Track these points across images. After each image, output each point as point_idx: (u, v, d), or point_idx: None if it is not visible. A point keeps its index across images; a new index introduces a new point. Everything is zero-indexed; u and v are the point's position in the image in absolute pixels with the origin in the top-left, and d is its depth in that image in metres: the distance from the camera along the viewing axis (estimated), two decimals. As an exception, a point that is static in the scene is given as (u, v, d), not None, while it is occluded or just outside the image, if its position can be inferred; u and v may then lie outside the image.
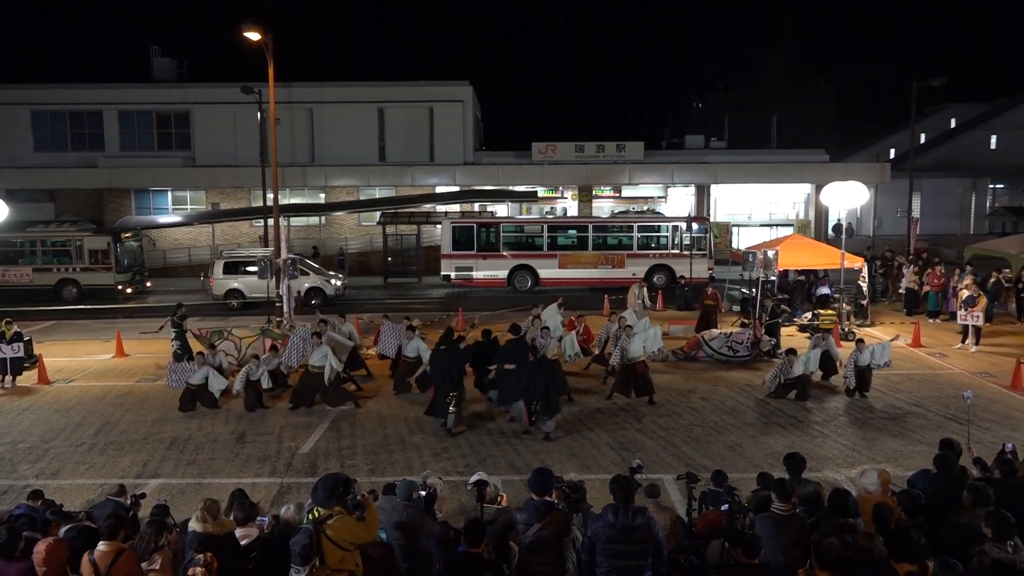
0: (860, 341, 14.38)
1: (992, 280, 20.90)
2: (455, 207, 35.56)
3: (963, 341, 17.60)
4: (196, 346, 15.98)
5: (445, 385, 11.99)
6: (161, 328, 16.77)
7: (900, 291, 22.91)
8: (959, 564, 4.83)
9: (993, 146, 48.31)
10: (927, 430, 11.72)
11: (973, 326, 17.32)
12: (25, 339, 15.99)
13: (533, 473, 6.17)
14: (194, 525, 5.99)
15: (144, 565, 5.77)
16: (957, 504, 6.29)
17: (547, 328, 14.52)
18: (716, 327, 19.23)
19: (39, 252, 27.49)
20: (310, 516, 5.66)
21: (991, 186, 45.83)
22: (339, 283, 26.39)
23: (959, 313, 17.92)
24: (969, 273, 19.40)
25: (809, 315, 19.82)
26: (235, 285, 25.15)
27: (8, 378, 15.28)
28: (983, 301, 17.49)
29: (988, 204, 45.62)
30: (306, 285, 25.39)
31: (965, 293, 17.80)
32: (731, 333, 17.07)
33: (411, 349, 14.11)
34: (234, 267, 25.52)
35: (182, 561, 5.88)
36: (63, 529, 6.42)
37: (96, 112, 37.00)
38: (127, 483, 8.39)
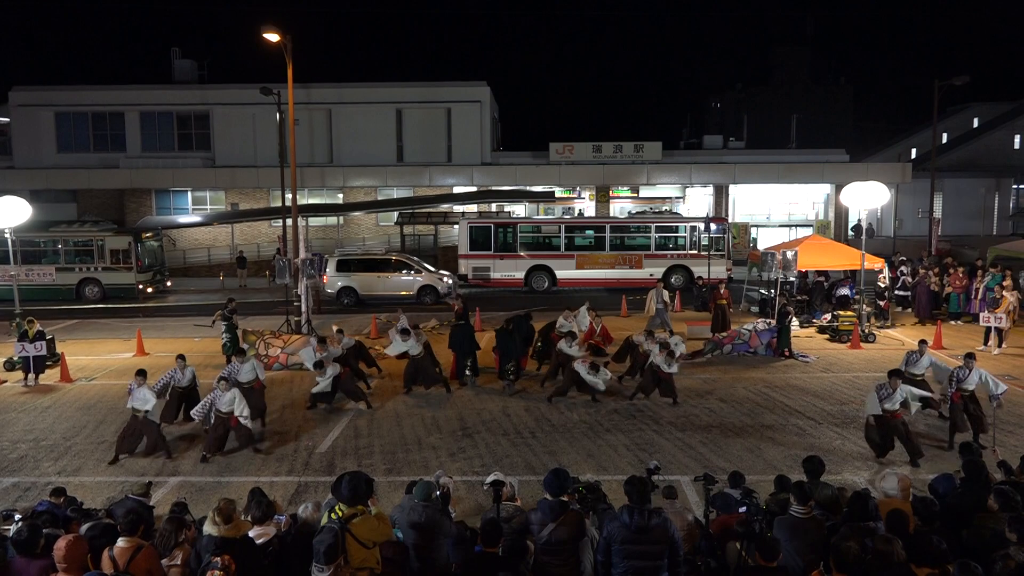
0: (970, 356, 11.31)
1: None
2: (472, 207, 35.65)
3: (985, 343, 17.39)
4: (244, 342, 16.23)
5: (461, 353, 14.99)
6: (214, 323, 16.98)
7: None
8: (979, 567, 4.76)
9: (1017, 146, 47.68)
10: (948, 433, 11.54)
11: (996, 328, 17.11)
12: (47, 337, 16.23)
13: (548, 474, 6.18)
14: (208, 528, 5.99)
15: (165, 562, 5.81)
16: (983, 508, 6.22)
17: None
18: (729, 326, 19.19)
19: (61, 252, 27.89)
20: (332, 515, 5.65)
21: (1015, 186, 45.26)
22: (450, 281, 26.44)
23: (982, 315, 17.69)
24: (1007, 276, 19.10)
25: (828, 316, 19.67)
26: (348, 283, 25.32)
27: (31, 376, 15.46)
28: (1006, 302, 17.27)
29: (1011, 204, 45.04)
30: (419, 284, 25.76)
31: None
32: (739, 332, 17.18)
33: (416, 349, 14.52)
34: (347, 265, 25.75)
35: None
36: (84, 527, 6.46)
37: (118, 113, 37.46)
38: (146, 480, 8.45)
